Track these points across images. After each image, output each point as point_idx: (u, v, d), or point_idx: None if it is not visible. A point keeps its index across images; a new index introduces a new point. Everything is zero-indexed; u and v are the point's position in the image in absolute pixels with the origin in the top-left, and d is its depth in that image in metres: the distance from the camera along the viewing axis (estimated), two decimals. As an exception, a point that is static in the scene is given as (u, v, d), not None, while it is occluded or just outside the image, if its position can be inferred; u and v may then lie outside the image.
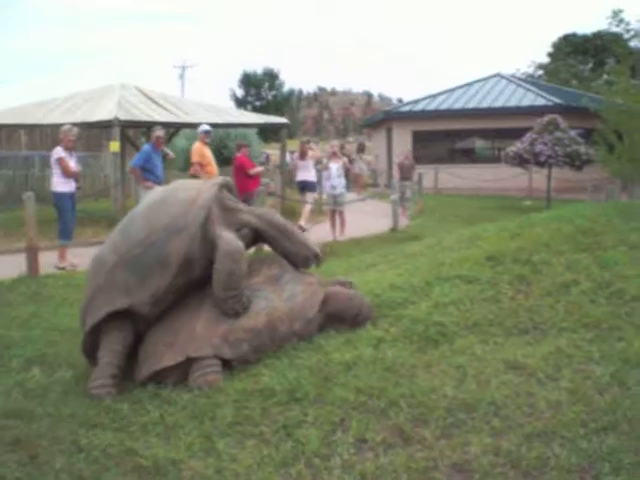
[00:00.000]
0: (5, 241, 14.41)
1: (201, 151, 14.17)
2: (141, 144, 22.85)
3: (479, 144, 35.02)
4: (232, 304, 5.20)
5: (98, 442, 4.17)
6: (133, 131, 24.05)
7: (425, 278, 6.49)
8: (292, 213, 16.76)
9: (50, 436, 4.30)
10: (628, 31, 45.66)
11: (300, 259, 5.79)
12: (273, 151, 40.94)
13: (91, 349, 5.37)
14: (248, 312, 5.26)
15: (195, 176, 13.44)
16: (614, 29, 46.28)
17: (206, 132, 14.42)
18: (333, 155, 16.01)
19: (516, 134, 27.14)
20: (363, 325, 5.64)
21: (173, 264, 5.20)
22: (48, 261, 11.09)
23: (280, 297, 5.44)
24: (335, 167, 15.57)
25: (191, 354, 5.05)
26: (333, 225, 15.69)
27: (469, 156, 34.14)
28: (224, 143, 31.80)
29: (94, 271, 5.41)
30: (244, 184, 14.33)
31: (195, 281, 5.41)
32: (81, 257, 12.02)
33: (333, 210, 15.70)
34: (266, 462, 3.81)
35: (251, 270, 5.61)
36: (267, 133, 48.55)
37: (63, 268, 11.37)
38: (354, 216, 17.11)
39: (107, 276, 5.26)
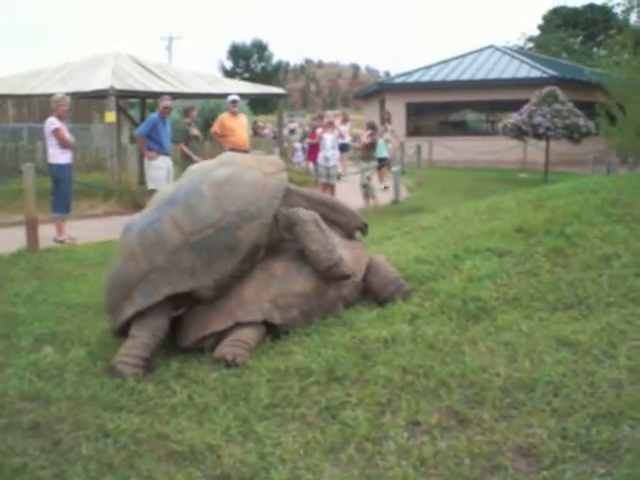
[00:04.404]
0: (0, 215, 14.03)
1: (222, 122, 14.36)
2: (132, 115, 22.47)
3: (470, 116, 34.79)
4: (342, 266, 5.18)
5: (125, 426, 3.88)
6: (122, 102, 23.62)
7: (452, 251, 6.27)
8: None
9: (72, 420, 4.01)
10: (618, 4, 45.37)
11: (350, 229, 5.85)
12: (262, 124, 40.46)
13: (127, 328, 5.04)
14: (297, 277, 5.17)
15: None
16: (604, 1, 45.96)
17: (233, 102, 14.50)
18: (329, 125, 15.67)
19: (511, 106, 26.96)
20: (392, 300, 5.43)
21: (243, 250, 4.99)
22: (46, 235, 10.77)
23: None
24: (330, 138, 15.19)
25: (240, 319, 4.91)
26: None
27: (461, 129, 33.90)
28: (215, 115, 31.27)
29: (146, 248, 4.99)
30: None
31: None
32: (78, 230, 11.74)
33: (325, 183, 15.33)
34: (312, 447, 3.54)
35: None
36: (256, 105, 48.00)
37: (62, 241, 11.06)
38: (349, 189, 16.85)
39: (170, 256, 4.91)
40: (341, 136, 15.90)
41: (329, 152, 15.14)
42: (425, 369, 4.17)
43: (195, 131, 14.46)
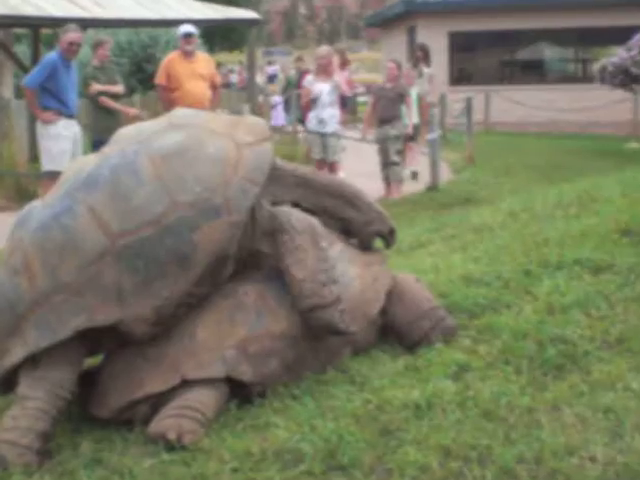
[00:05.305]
0: None
1: (168, 67, 14.27)
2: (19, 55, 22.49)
3: (549, 53, 34.89)
4: (333, 312, 5.08)
5: None
6: (4, 33, 23.67)
7: (521, 265, 6.33)
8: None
9: None
10: None
11: (368, 234, 5.81)
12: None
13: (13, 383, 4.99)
14: (277, 308, 5.17)
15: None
16: None
17: (185, 35, 14.36)
18: (322, 70, 15.60)
19: (613, 37, 27.06)
20: (427, 342, 5.49)
21: (199, 263, 4.92)
22: None
23: None
24: (326, 90, 15.19)
25: (190, 374, 4.89)
26: None
27: (535, 73, 34.03)
28: (149, 54, 31.35)
29: (48, 254, 4.89)
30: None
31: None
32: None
33: (320, 160, 15.32)
34: None
35: None
36: (214, 37, 48.09)
37: None
38: (362, 166, 16.84)
39: (86, 268, 4.83)
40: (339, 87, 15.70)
41: (325, 111, 15.15)
42: (479, 451, 4.18)
43: (96, 87, 14.40)
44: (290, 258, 5.10)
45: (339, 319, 5.08)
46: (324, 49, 16.54)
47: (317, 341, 5.23)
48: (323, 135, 15.16)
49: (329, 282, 5.10)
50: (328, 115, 15.14)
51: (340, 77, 16.04)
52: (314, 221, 5.25)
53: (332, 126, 15.20)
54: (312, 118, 15.41)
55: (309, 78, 16.03)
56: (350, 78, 22.96)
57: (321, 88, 15.18)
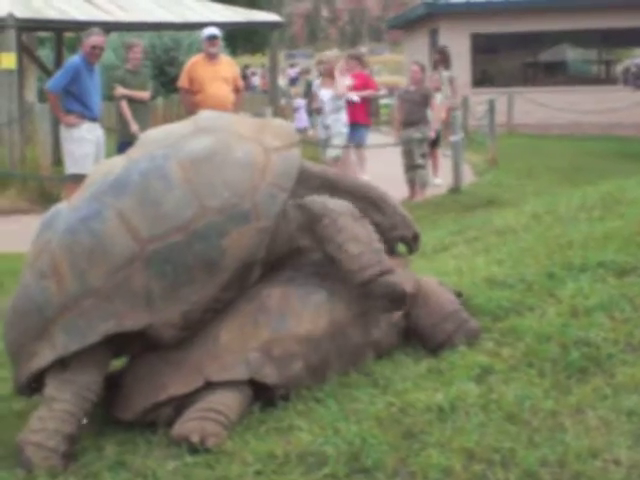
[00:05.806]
0: None
1: (191, 72, 14.27)
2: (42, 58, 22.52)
3: (572, 55, 34.77)
4: (396, 277, 5.09)
5: None
6: (27, 37, 23.76)
7: (545, 268, 6.27)
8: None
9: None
10: None
11: (392, 238, 5.77)
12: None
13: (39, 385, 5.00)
14: (301, 309, 5.13)
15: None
16: None
17: (209, 38, 14.33)
18: (327, 76, 15.56)
19: (635, 39, 26.93)
20: (450, 345, 5.47)
21: (226, 270, 4.92)
22: None
23: (347, 287, 5.31)
24: (328, 95, 15.19)
25: (214, 377, 4.90)
26: None
27: (558, 74, 33.90)
28: (172, 57, 31.44)
29: (76, 258, 4.87)
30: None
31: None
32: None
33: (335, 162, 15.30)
34: None
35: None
36: (236, 40, 48.13)
37: None
38: (384, 169, 16.79)
39: (115, 274, 4.82)
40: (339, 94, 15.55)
41: (330, 117, 15.16)
42: (503, 454, 4.17)
43: (121, 90, 14.43)
44: (340, 237, 5.04)
45: (398, 283, 5.10)
46: (329, 54, 16.61)
47: (340, 342, 5.21)
48: (329, 139, 15.21)
49: (381, 251, 5.12)
50: (332, 120, 15.14)
51: (342, 82, 15.74)
52: (349, 204, 5.22)
53: (338, 128, 15.19)
54: (319, 124, 15.54)
55: (316, 83, 16.05)
56: (370, 77, 22.75)
57: (325, 94, 15.19)
